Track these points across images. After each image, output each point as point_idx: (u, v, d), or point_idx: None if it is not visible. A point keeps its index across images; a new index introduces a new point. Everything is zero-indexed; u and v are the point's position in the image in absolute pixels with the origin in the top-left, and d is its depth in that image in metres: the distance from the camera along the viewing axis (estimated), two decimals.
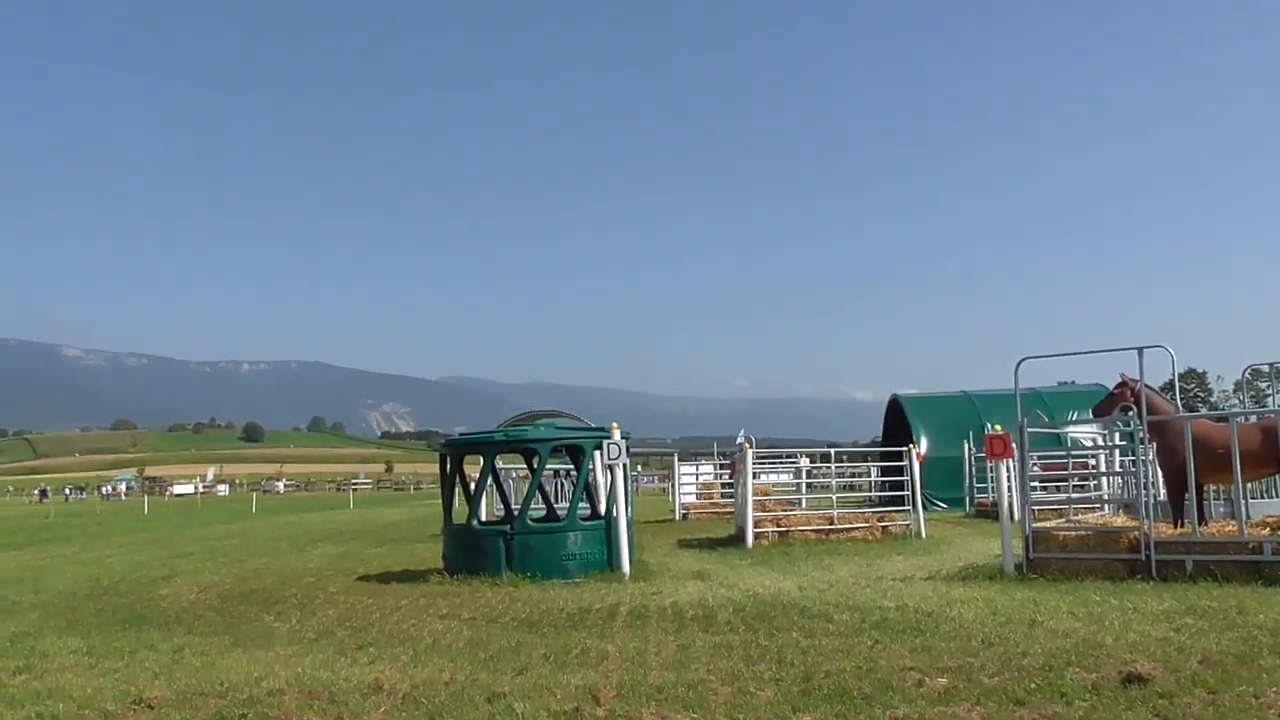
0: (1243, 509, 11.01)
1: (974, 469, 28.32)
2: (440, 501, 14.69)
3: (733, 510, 23.51)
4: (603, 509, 13.43)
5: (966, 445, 28.90)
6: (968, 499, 28.00)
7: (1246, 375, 20.75)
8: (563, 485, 23.32)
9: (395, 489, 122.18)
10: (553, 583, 12.20)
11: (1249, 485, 12.83)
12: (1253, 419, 12.54)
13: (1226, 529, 11.18)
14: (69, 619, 10.66)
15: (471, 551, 13.06)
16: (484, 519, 14.41)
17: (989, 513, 23.76)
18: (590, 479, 14.10)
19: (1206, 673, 6.20)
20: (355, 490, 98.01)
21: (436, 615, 10.00)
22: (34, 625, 10.29)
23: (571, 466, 19.23)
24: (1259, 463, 11.29)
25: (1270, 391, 15.74)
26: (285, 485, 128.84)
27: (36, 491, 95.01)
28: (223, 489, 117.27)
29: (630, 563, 13.13)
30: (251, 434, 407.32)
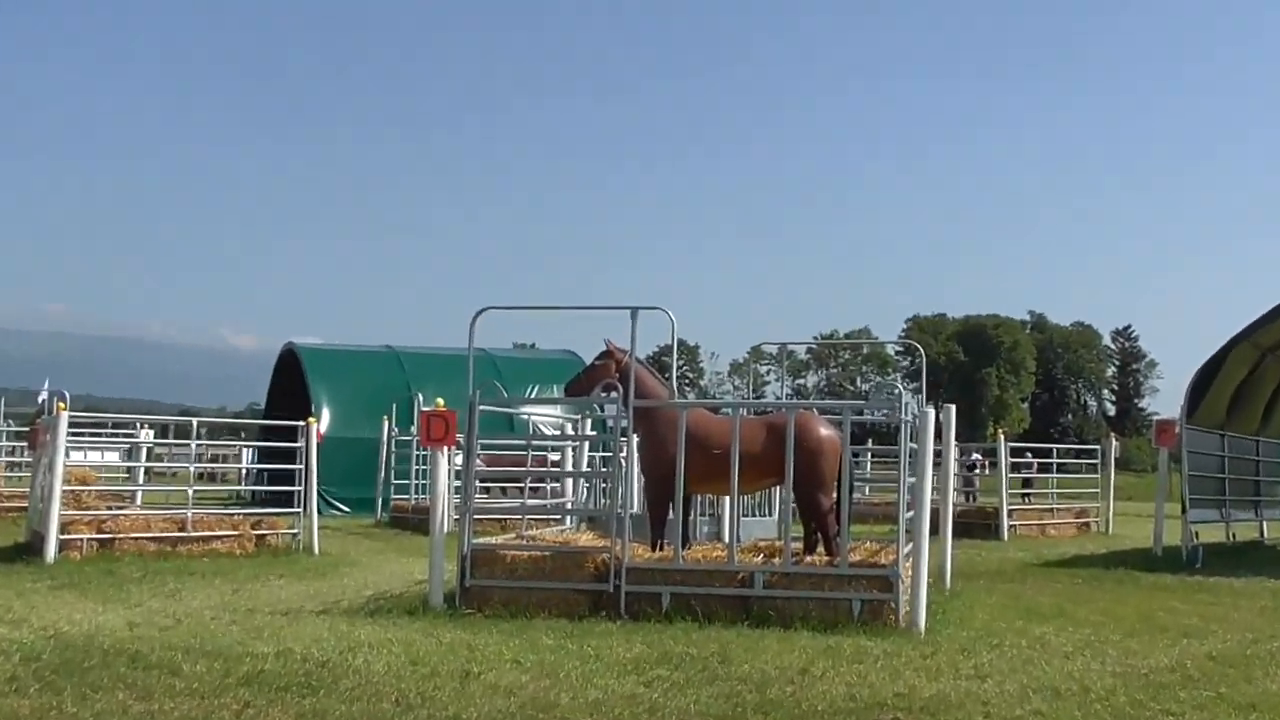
0: (736, 529, 12.49)
1: (394, 458, 29.13)
2: None
3: (25, 505, 22.35)
4: None
5: (387, 422, 29.72)
6: (381, 500, 28.81)
7: (748, 355, 23.58)
8: None
9: None
10: None
11: (743, 500, 14.55)
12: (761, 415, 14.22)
13: (715, 554, 12.61)
14: None
15: None
16: None
17: (410, 521, 24.76)
18: None
19: None
20: None
21: None
22: None
23: None
24: (762, 470, 12.66)
25: (772, 377, 18.00)
26: None
27: None
28: None
29: None
30: None
